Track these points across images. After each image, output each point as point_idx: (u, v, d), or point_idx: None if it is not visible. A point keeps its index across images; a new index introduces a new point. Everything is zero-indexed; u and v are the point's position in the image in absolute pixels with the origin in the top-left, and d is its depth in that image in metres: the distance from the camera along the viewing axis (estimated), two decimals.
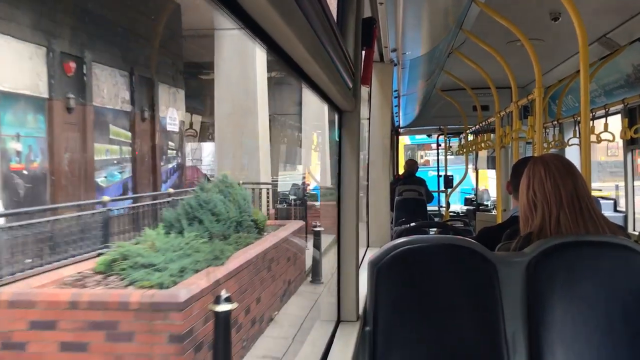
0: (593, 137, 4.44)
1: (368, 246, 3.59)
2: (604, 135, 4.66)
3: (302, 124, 16.82)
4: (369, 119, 3.64)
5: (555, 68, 5.13)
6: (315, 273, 8.59)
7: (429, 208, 7.71)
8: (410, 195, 7.26)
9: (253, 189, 10.26)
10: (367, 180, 3.62)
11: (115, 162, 9.70)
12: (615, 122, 5.10)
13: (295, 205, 11.44)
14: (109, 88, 9.46)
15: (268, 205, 10.92)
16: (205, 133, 17.84)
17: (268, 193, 11.10)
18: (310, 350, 1.82)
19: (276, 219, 10.55)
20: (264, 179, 11.39)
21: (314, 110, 16.09)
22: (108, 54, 9.28)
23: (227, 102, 11.22)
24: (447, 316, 1.72)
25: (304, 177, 15.05)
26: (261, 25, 0.85)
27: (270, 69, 12.83)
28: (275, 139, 16.20)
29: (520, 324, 1.68)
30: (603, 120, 4.79)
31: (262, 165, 11.40)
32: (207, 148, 24.83)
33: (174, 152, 12.08)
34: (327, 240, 9.45)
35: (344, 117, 1.87)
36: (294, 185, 12.66)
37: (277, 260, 7.32)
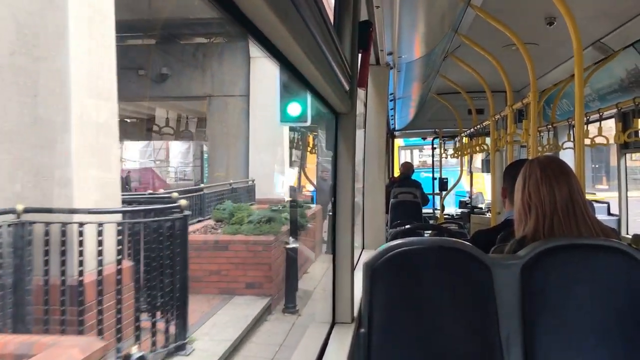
0: (587, 141, 4.46)
1: (363, 248, 3.60)
2: (598, 139, 4.68)
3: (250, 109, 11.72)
4: (364, 121, 3.65)
5: (550, 72, 5.15)
6: None
7: (423, 210, 7.73)
8: (405, 198, 7.28)
9: (46, 228, 4.74)
10: (363, 183, 3.63)
11: None
12: (610, 126, 5.13)
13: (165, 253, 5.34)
14: None
15: (81, 267, 4.78)
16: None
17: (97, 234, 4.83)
18: (305, 352, 1.82)
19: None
20: (85, 202, 5.09)
21: (266, 90, 10.82)
22: None
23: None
24: (441, 318, 1.73)
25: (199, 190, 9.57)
26: (258, 27, 0.85)
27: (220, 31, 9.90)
28: (215, 133, 11.96)
29: (515, 326, 1.69)
30: (597, 124, 4.82)
31: (80, 170, 5.12)
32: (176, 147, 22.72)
33: None
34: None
35: (339, 119, 1.88)
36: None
37: None
